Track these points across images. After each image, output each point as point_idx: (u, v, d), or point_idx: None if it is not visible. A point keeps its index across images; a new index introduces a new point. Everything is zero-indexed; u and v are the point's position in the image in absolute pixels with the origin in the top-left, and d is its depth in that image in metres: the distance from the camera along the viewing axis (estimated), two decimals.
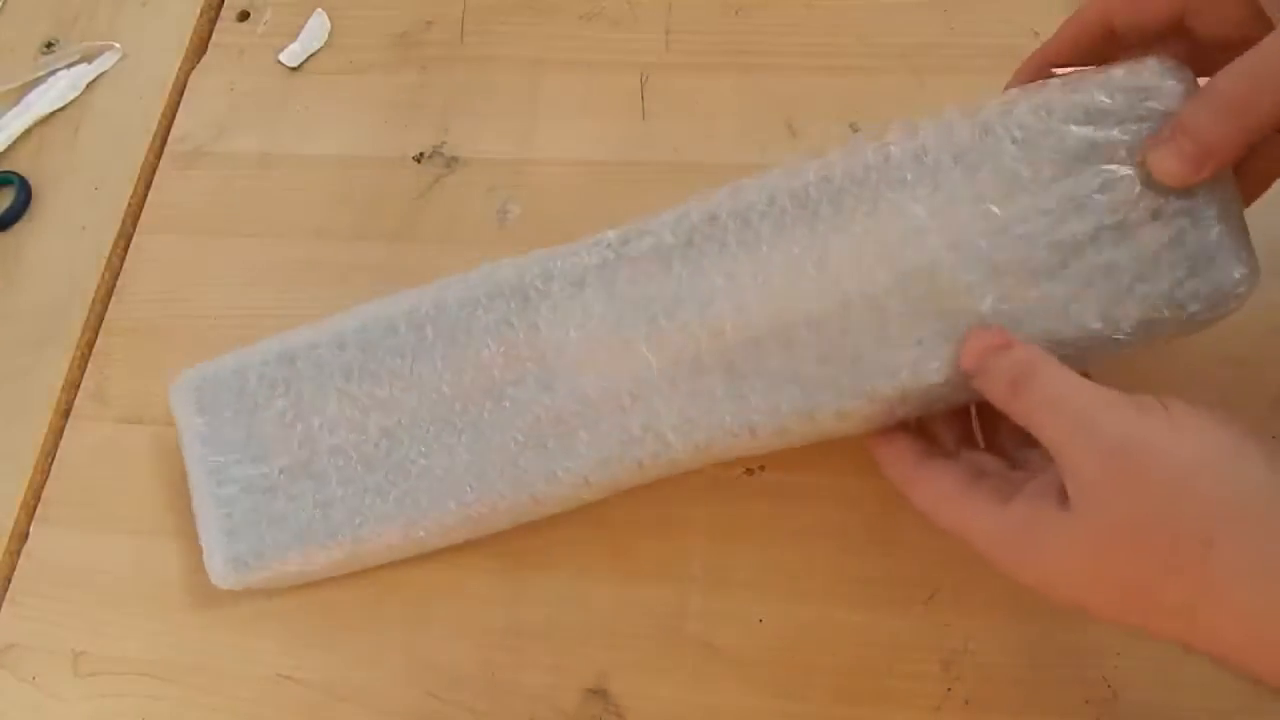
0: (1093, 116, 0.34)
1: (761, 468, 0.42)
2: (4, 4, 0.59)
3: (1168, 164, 0.32)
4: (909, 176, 0.35)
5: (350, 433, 0.40)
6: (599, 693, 0.39)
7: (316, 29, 0.55)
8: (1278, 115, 0.30)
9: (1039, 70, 0.38)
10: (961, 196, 0.34)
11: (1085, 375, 0.31)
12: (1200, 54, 0.34)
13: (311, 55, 0.54)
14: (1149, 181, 0.33)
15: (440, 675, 0.41)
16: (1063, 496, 0.30)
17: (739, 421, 0.36)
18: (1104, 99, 0.34)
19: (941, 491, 0.33)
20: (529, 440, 0.38)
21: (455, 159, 0.50)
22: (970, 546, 0.32)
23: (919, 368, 0.34)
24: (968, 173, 0.34)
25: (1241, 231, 0.34)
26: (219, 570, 0.40)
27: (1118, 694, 0.37)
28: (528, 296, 0.38)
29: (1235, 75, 0.31)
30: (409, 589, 0.42)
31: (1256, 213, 0.35)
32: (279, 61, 0.54)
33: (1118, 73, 0.34)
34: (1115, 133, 0.33)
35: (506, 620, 0.41)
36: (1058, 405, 0.31)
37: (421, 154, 0.51)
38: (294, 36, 0.55)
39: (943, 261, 0.34)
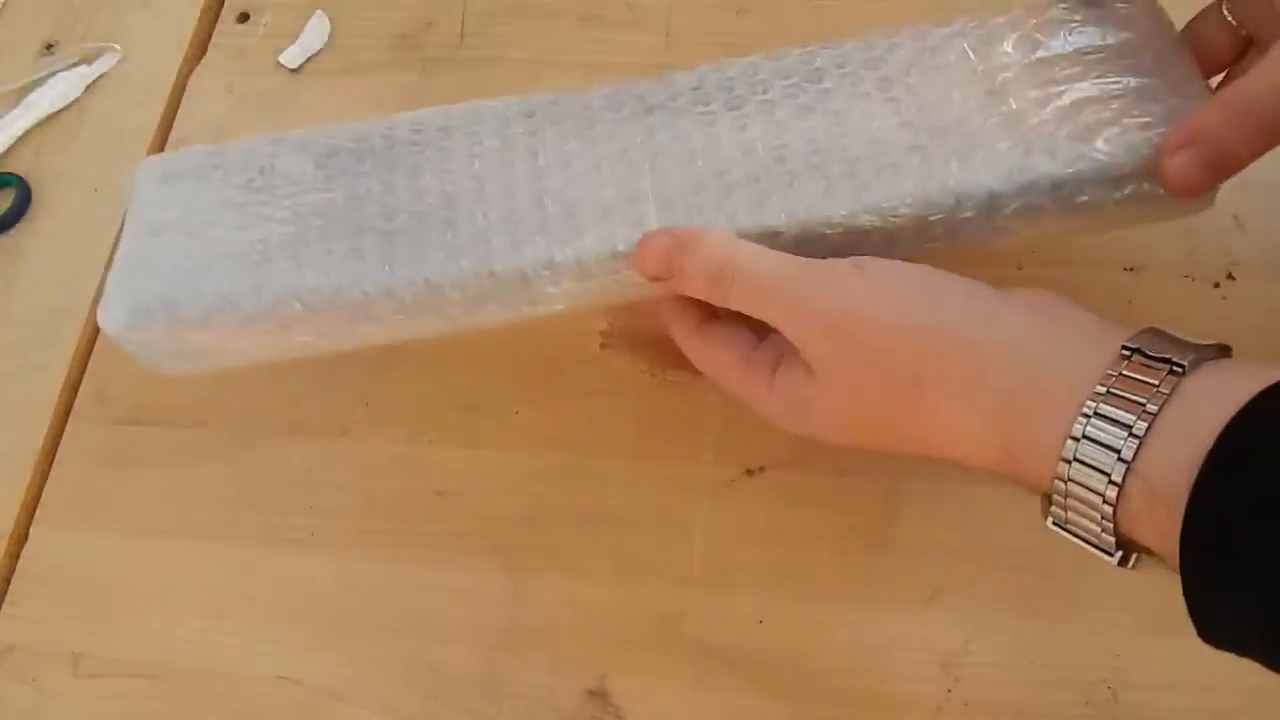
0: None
1: (761, 468, 0.42)
2: (4, 4, 0.59)
3: (1188, 172, 0.32)
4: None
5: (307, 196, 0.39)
6: (599, 693, 0.39)
7: (316, 30, 0.55)
8: None
9: None
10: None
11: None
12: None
13: (311, 57, 0.54)
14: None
15: (440, 675, 0.41)
16: (809, 364, 0.33)
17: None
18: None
19: (723, 362, 0.36)
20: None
21: None
22: (752, 411, 0.36)
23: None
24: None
25: (1171, 91, 0.35)
26: (115, 315, 0.38)
27: (1117, 694, 0.37)
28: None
29: (1258, 79, 0.31)
30: (409, 589, 0.42)
31: (1257, 216, 0.34)
32: (279, 63, 0.54)
33: None
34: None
35: (506, 620, 0.41)
36: (768, 294, 0.33)
37: None
38: (294, 38, 0.55)
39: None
